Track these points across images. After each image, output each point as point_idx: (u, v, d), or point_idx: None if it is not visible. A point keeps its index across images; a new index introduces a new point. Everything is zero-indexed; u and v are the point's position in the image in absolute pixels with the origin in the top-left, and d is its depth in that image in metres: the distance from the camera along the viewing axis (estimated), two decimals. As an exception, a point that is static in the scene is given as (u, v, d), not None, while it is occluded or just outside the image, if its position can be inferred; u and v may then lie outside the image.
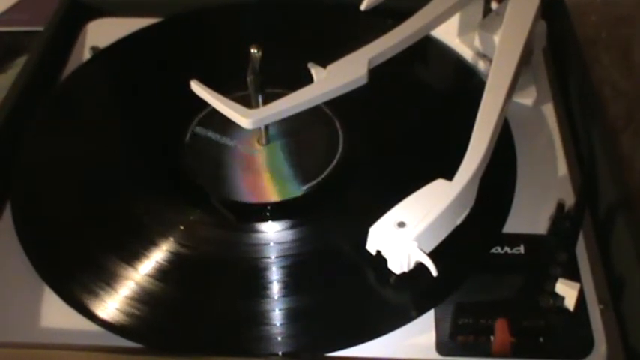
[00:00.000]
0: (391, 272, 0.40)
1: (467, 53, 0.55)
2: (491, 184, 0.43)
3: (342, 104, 0.47)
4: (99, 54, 0.57)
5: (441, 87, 0.55)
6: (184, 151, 0.49)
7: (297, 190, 0.46)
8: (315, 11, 0.60)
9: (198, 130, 0.50)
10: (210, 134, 0.50)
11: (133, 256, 0.43)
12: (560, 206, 0.44)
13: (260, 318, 0.40)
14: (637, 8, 0.64)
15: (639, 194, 0.49)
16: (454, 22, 0.54)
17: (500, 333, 0.39)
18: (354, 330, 0.39)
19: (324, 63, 0.45)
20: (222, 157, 0.48)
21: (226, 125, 0.49)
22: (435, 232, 0.40)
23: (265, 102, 0.45)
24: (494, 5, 0.55)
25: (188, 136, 0.50)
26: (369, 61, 0.45)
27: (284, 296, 0.41)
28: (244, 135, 0.49)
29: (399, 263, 0.39)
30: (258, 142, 0.49)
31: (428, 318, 0.40)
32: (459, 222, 0.42)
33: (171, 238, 0.44)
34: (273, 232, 0.44)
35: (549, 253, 0.42)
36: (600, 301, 0.41)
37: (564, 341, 0.39)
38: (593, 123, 0.49)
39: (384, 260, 0.40)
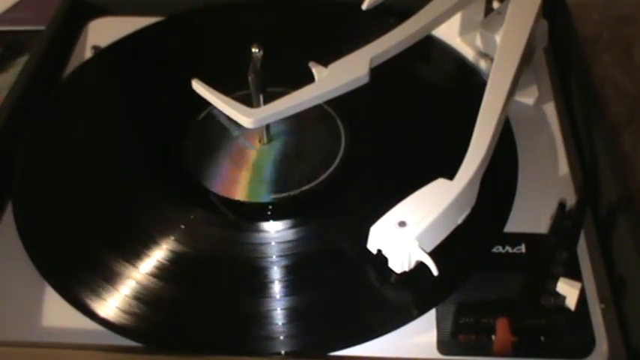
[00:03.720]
0: (392, 272, 0.40)
1: (468, 52, 0.55)
2: (492, 183, 0.43)
3: (343, 103, 0.47)
4: (100, 53, 0.57)
5: (442, 86, 0.55)
6: (185, 150, 0.49)
7: (298, 189, 0.46)
8: (317, 10, 0.60)
9: (199, 129, 0.50)
10: (211, 134, 0.50)
11: (133, 255, 0.43)
12: (562, 205, 0.43)
13: (262, 317, 0.40)
14: (639, 7, 0.64)
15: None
16: (455, 21, 0.54)
17: (502, 332, 0.39)
18: (356, 329, 0.39)
19: (325, 62, 0.45)
20: (223, 157, 0.48)
21: (227, 124, 0.49)
22: (435, 232, 0.40)
23: (266, 101, 0.45)
24: (495, 4, 0.54)
25: (189, 135, 0.50)
26: (371, 61, 0.45)
27: (285, 296, 0.41)
28: (245, 134, 0.49)
29: (399, 262, 0.39)
30: (260, 140, 0.49)
31: (429, 317, 0.40)
32: (459, 221, 0.42)
33: (172, 237, 0.44)
34: (274, 231, 0.44)
35: (550, 253, 0.42)
36: (602, 300, 0.41)
37: (565, 340, 0.39)
38: (595, 122, 0.49)
39: (385, 259, 0.40)
